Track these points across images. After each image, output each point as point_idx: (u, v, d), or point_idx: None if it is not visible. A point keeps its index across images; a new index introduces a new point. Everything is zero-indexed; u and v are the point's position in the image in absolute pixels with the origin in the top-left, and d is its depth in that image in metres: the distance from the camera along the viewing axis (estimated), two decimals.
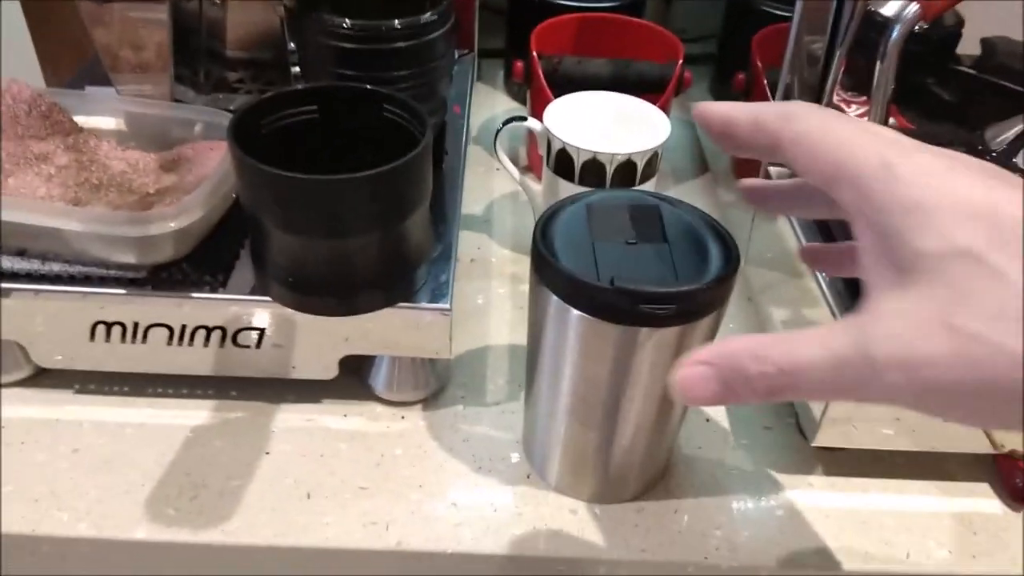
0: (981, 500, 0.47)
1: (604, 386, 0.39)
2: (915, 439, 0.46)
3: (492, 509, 0.44)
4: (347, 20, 0.45)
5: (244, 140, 0.39)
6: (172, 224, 0.42)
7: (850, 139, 0.27)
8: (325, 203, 0.39)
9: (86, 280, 0.44)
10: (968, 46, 0.59)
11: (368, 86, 0.43)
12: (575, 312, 0.37)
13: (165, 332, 0.45)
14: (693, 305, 0.36)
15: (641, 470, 0.44)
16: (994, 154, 0.52)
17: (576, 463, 0.44)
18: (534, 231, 0.38)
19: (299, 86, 0.43)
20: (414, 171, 0.40)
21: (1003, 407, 0.23)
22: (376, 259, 0.42)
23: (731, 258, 0.36)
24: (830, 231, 0.48)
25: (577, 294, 0.36)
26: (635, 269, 0.36)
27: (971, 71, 0.59)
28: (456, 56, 0.70)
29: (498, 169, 0.72)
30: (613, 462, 0.43)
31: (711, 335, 0.39)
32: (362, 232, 0.40)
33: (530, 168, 0.71)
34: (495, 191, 0.70)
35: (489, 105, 0.80)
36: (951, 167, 0.25)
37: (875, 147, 0.26)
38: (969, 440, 0.45)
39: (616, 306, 0.35)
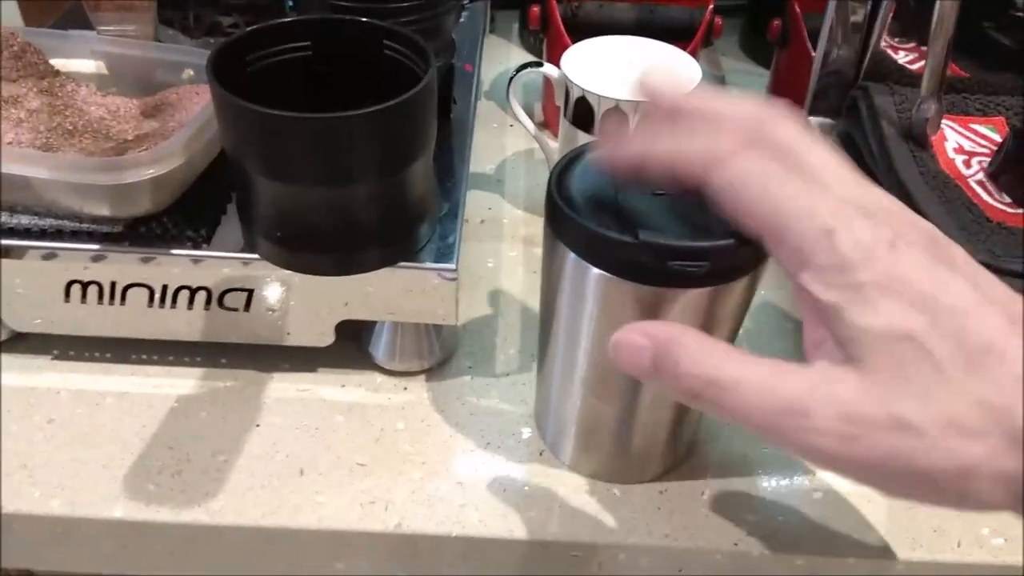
0: None
1: None
2: None
3: (501, 489, 0.41)
4: None
5: (226, 78, 0.35)
6: (149, 171, 0.38)
7: (792, 198, 0.25)
8: (316, 145, 0.34)
9: (57, 235, 0.40)
10: None
11: (364, 19, 0.39)
12: (594, 270, 0.32)
13: (145, 292, 0.41)
14: (729, 262, 0.31)
15: (664, 449, 0.40)
16: None
17: (593, 440, 0.40)
18: (549, 180, 0.34)
19: (289, 18, 0.39)
20: (416, 112, 0.36)
21: (928, 492, 0.23)
22: (374, 212, 0.38)
23: None
24: None
25: (597, 249, 0.32)
26: (663, 222, 0.31)
27: None
28: (467, 1, 0.65)
29: (511, 125, 0.68)
30: (633, 440, 0.39)
31: (747, 299, 0.34)
32: (358, 180, 0.36)
33: (546, 125, 0.67)
34: (508, 149, 0.65)
35: (503, 59, 0.75)
36: (893, 243, 0.24)
37: (819, 210, 0.24)
38: None
39: (641, 263, 0.31)
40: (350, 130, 0.34)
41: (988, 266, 0.36)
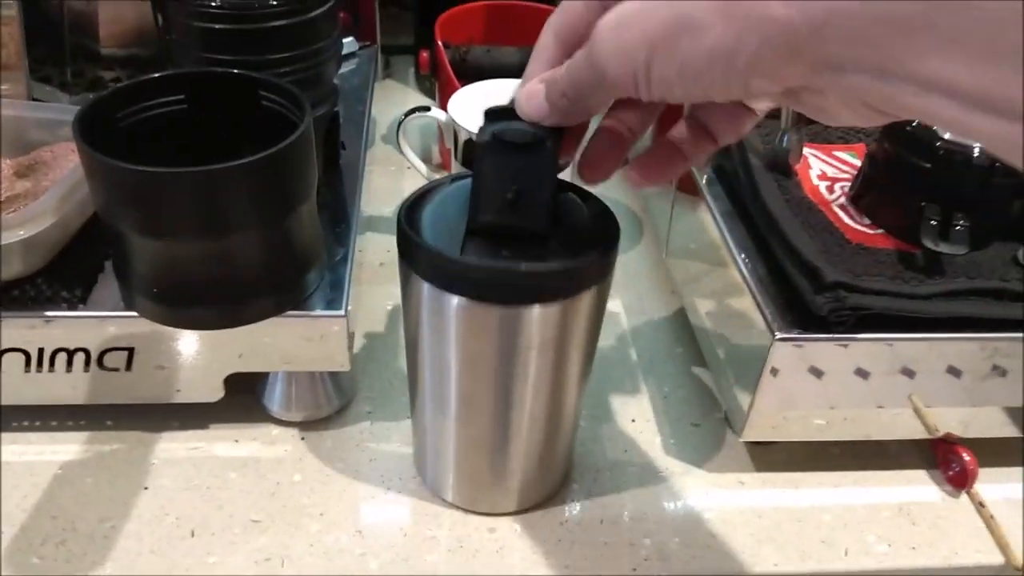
0: (919, 488, 0.45)
1: (490, 379, 0.36)
2: (849, 429, 0.43)
3: (402, 534, 0.40)
4: None
5: (97, 136, 0.34)
6: (19, 232, 0.37)
7: None
8: (190, 199, 0.34)
9: None
10: None
11: (236, 71, 0.39)
12: (451, 297, 0.33)
13: (21, 357, 0.40)
14: (576, 277, 0.33)
15: (540, 474, 0.41)
16: None
17: (470, 471, 0.40)
18: (398, 214, 0.34)
19: (160, 73, 0.38)
20: (293, 160, 0.36)
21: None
22: (257, 262, 0.38)
23: (610, 231, 0.34)
24: (750, 218, 0.45)
25: (450, 275, 0.32)
26: (512, 246, 0.32)
27: None
28: (357, 48, 0.66)
29: (409, 168, 0.68)
30: (510, 465, 0.39)
31: (598, 308, 0.36)
32: (236, 231, 0.36)
33: (444, 166, 0.67)
34: (406, 191, 0.65)
35: (399, 102, 0.76)
36: None
37: None
38: (904, 427, 0.43)
39: (496, 282, 0.32)
40: (224, 182, 0.34)
41: (848, 286, 0.38)
